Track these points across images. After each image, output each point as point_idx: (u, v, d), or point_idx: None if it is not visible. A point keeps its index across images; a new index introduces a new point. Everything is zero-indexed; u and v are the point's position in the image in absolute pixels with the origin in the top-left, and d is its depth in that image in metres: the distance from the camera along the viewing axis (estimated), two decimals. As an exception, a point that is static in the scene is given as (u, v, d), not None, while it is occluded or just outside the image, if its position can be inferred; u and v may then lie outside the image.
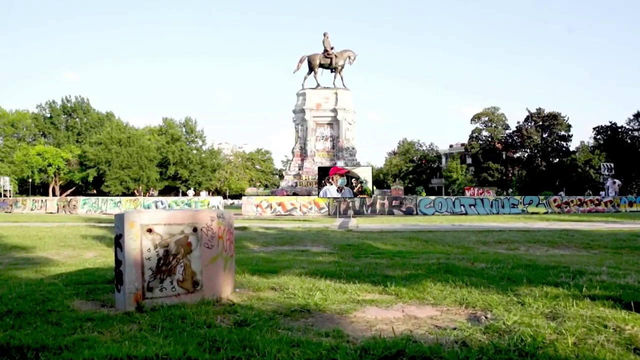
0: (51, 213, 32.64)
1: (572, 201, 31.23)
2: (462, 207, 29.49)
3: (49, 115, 77.00)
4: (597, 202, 32.22)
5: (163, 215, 3.98)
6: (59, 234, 12.31)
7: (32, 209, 34.82)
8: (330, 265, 6.46)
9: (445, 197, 34.15)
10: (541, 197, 31.44)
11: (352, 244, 10.07)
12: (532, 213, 28.36)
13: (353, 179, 21.30)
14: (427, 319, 3.56)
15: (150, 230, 3.87)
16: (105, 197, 36.17)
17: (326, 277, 5.35)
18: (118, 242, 3.88)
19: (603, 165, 42.21)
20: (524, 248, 9.68)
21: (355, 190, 21.32)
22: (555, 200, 31.17)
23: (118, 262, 3.89)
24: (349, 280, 5.13)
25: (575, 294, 4.09)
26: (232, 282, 4.67)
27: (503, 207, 29.89)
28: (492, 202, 30.22)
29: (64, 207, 33.61)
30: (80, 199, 34.70)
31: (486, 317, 3.49)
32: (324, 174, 21.77)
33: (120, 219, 3.85)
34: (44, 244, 9.94)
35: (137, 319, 3.49)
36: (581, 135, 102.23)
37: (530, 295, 4.06)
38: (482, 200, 30.78)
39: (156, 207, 30.64)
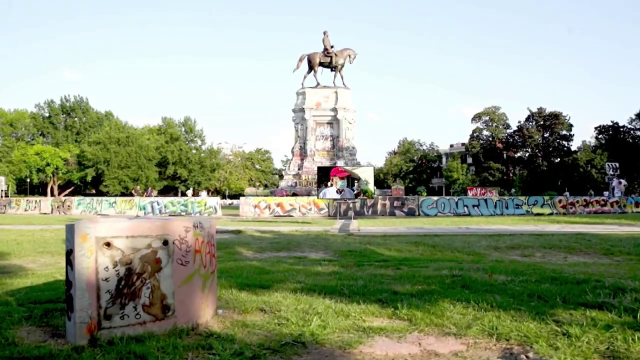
0: (45, 214, 31.89)
1: (577, 202, 30.47)
2: (465, 207, 28.75)
3: (47, 115, 76.34)
4: (603, 202, 31.45)
5: (125, 226, 3.25)
6: (41, 238, 11.58)
7: (26, 210, 34.06)
8: (330, 277, 5.73)
9: (448, 197, 33.40)
10: (546, 198, 30.66)
11: (353, 249, 9.34)
12: (537, 214, 27.62)
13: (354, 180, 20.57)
14: (451, 357, 2.84)
15: (108, 244, 3.14)
16: (100, 198, 35.41)
17: (325, 293, 4.62)
18: (68, 259, 3.15)
19: (608, 165, 41.41)
20: (539, 254, 8.97)
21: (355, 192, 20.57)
22: (560, 201, 30.39)
23: (69, 283, 3.16)
24: (352, 298, 4.40)
25: (628, 321, 3.36)
26: (214, 304, 3.94)
27: (507, 207, 29.11)
28: (495, 202, 29.45)
29: (58, 207, 32.87)
30: (75, 199, 33.95)
31: (527, 357, 2.77)
32: (323, 174, 21.05)
33: (70, 230, 3.13)
34: (20, 250, 9.22)
35: (86, 358, 2.77)
36: (582, 135, 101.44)
37: (574, 323, 3.34)
38: (485, 200, 30.02)
39: (152, 207, 29.92)
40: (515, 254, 9.00)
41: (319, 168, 22.49)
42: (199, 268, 3.61)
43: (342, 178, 20.21)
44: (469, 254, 8.90)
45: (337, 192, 20.17)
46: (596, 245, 9.70)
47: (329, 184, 20.40)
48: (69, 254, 3.13)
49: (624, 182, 37.63)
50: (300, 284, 5.09)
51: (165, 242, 3.37)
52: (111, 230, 3.18)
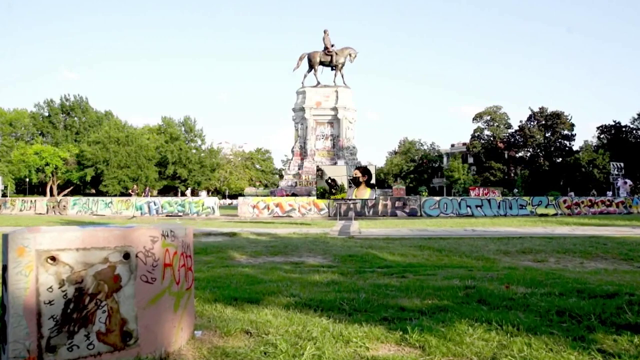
0: (40, 214, 31.33)
1: (582, 202, 29.87)
2: (468, 208, 28.16)
3: (47, 114, 75.81)
4: (608, 203, 30.83)
5: (75, 236, 2.66)
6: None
7: (21, 210, 33.50)
8: (328, 288, 5.13)
9: (450, 197, 32.79)
10: (550, 198, 30.06)
11: (354, 254, 8.75)
12: (541, 214, 27.02)
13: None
14: (478, 404, 2.25)
15: (53, 259, 2.56)
16: (96, 198, 34.84)
17: (323, 310, 4.03)
18: (3, 277, 2.57)
19: (613, 164, 40.79)
20: (553, 260, 8.37)
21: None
22: (565, 201, 29.78)
23: (3, 307, 2.58)
24: (353, 316, 3.81)
25: (690, 352, 2.77)
26: (190, 326, 3.35)
27: (511, 208, 28.53)
28: (499, 203, 28.86)
29: (53, 208, 32.28)
30: (71, 199, 33.38)
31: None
32: (323, 173, 20.52)
33: (4, 241, 2.54)
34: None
35: (14, 407, 2.19)
36: (584, 135, 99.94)
37: (625, 355, 2.74)
38: (489, 201, 29.43)
39: (149, 207, 29.33)
40: (527, 259, 8.41)
41: (319, 167, 21.94)
42: (170, 285, 3.02)
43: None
44: (478, 259, 8.31)
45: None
46: (613, 250, 9.10)
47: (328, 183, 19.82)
48: (4, 270, 2.55)
49: (629, 182, 36.98)
50: (295, 298, 4.50)
51: (127, 255, 2.78)
52: (57, 242, 2.59)
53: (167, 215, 28.18)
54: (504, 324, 3.39)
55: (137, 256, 2.81)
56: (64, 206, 31.88)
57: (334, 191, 20.18)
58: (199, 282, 5.62)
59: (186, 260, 3.27)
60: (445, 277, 5.87)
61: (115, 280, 2.73)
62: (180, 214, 28.56)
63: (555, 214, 27.47)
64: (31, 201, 34.48)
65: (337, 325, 3.53)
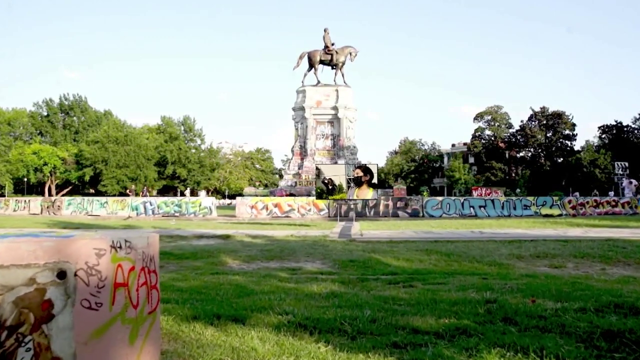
0: (34, 214, 30.70)
1: (587, 202, 29.23)
2: (471, 208, 27.53)
3: (45, 114, 75.20)
4: (614, 203, 30.20)
5: (-13, 250, 2.01)
6: None
7: (15, 210, 32.88)
8: (327, 303, 4.48)
9: (453, 198, 32.17)
10: (555, 198, 29.43)
11: (356, 259, 8.09)
12: (546, 215, 26.40)
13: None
14: None
15: (-43, 281, 1.91)
16: (91, 198, 34.21)
17: (320, 332, 3.38)
18: None
19: (617, 164, 40.17)
20: (571, 265, 7.73)
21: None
22: (570, 202, 29.15)
23: None
24: (357, 341, 3.16)
25: None
26: (154, 358, 2.69)
27: (515, 208, 27.89)
28: (503, 203, 28.23)
29: (47, 208, 31.63)
30: (65, 199, 32.77)
31: None
32: (321, 172, 19.92)
33: None
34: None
35: None
36: (585, 135, 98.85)
37: None
38: (492, 201, 28.79)
39: (145, 208, 28.67)
40: (544, 265, 7.77)
41: (318, 167, 21.32)
42: (123, 310, 2.36)
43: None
44: (490, 264, 7.66)
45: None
46: (634, 254, 8.45)
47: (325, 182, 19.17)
48: None
49: (634, 182, 36.30)
50: (287, 316, 3.84)
51: (62, 274, 2.12)
52: (-38, 258, 1.94)
53: (163, 216, 27.53)
54: (545, 356, 2.74)
55: (76, 275, 2.15)
56: (59, 206, 31.24)
57: (332, 190, 19.54)
58: (181, 293, 4.98)
59: (149, 277, 2.61)
60: (459, 288, 5.23)
61: (44, 308, 2.07)
62: (176, 214, 27.92)
63: (560, 215, 26.84)
64: (25, 201, 33.83)
65: (337, 354, 2.88)
